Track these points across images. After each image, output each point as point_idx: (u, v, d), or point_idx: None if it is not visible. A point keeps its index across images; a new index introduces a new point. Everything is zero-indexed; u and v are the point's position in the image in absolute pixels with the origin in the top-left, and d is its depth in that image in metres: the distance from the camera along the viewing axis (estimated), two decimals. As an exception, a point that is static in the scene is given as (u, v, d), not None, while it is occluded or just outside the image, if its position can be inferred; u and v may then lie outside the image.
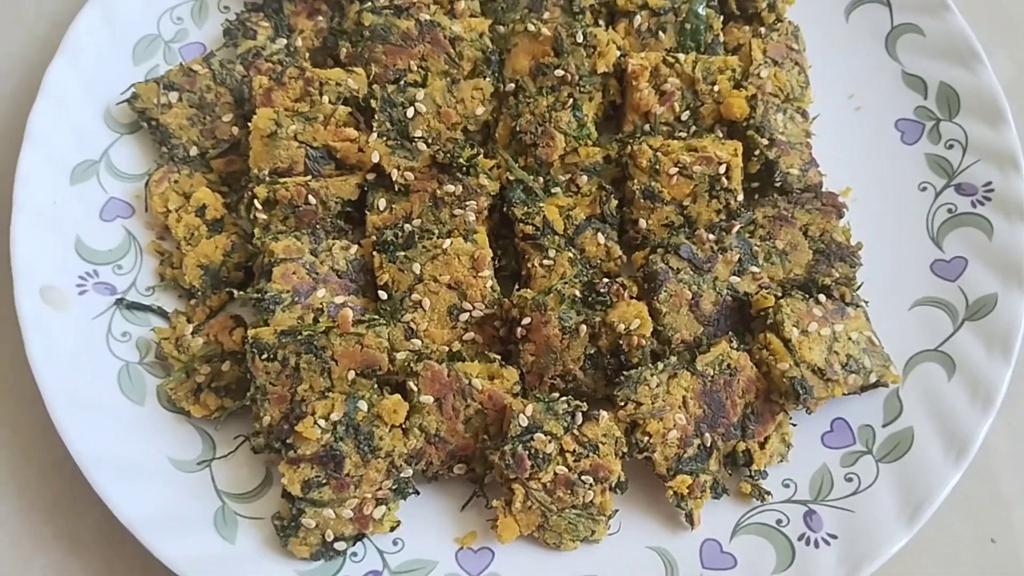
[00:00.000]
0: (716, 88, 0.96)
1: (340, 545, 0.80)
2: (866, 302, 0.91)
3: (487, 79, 0.95)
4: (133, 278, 0.93)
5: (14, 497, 0.89)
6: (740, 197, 0.93)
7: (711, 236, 0.90)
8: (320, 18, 1.03)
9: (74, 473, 0.83)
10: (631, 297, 0.86)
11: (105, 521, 0.85)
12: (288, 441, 0.79)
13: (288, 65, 0.94)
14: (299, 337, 0.80)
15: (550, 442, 0.80)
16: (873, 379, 0.86)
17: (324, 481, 0.78)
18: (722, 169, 0.91)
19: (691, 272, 0.88)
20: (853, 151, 1.03)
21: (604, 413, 0.82)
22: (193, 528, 0.81)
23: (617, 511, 0.84)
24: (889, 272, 0.95)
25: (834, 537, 0.82)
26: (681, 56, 0.96)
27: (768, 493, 0.85)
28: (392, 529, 0.82)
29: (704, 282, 0.88)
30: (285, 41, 1.00)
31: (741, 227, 0.91)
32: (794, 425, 0.88)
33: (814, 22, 1.06)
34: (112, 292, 0.91)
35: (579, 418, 0.81)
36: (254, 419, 0.82)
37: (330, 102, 0.93)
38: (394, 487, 0.81)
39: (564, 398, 0.83)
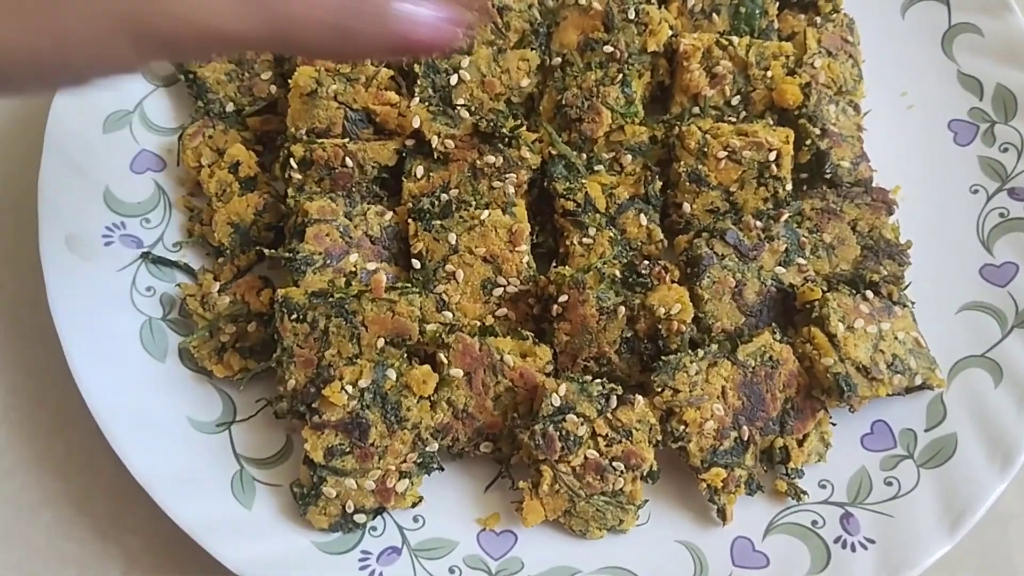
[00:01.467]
0: (769, 74, 0.93)
1: (360, 518, 0.77)
2: (912, 303, 0.88)
3: (534, 51, 0.93)
4: (161, 232, 0.90)
5: (25, 447, 0.86)
6: (789, 186, 0.90)
7: (758, 223, 0.87)
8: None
9: (89, 428, 0.81)
10: (673, 281, 0.83)
11: (117, 481, 0.83)
12: (313, 406, 0.76)
13: (330, 26, 0.92)
14: (330, 299, 0.78)
15: (582, 424, 0.77)
16: (918, 381, 0.83)
17: (348, 449, 0.75)
18: (772, 156, 0.88)
19: (736, 259, 0.85)
20: (904, 149, 0.99)
21: (640, 398, 0.79)
22: (209, 491, 0.78)
23: (647, 501, 0.81)
24: (936, 274, 0.92)
25: (872, 542, 0.79)
26: (735, 39, 0.93)
27: (804, 493, 0.82)
28: (414, 505, 0.79)
29: (749, 270, 0.85)
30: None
31: (790, 216, 0.88)
32: (833, 424, 0.85)
33: (869, 16, 1.03)
34: (139, 245, 0.89)
35: (613, 402, 0.78)
36: (278, 382, 0.80)
37: (372, 65, 0.90)
38: (419, 461, 0.78)
39: (599, 380, 0.80)
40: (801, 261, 0.87)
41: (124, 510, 0.84)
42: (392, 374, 0.77)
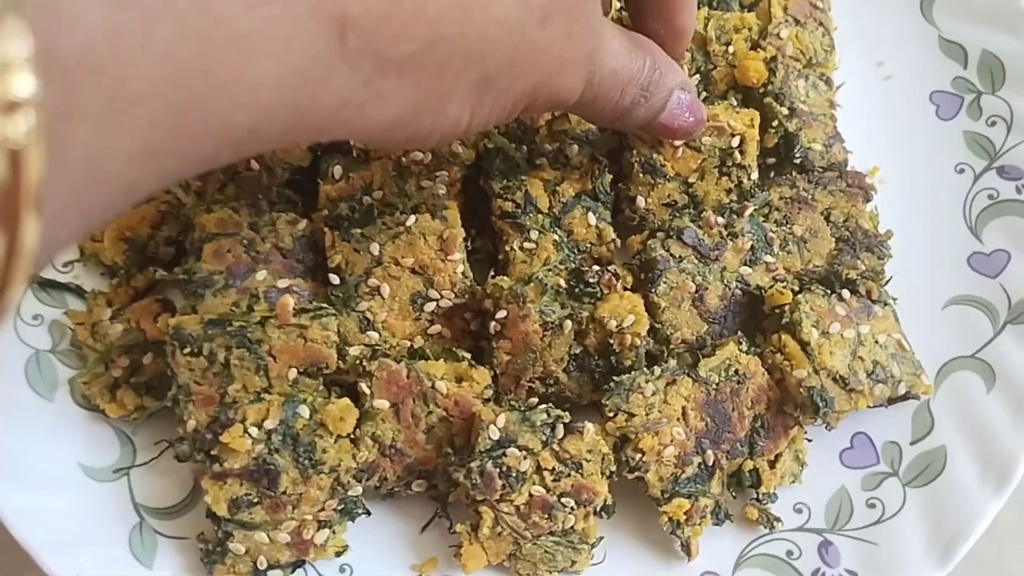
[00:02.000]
0: (730, 49, 0.83)
1: (275, 574, 0.68)
2: (894, 299, 0.79)
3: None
4: (48, 252, 0.79)
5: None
6: (755, 175, 0.80)
7: (720, 220, 0.78)
8: None
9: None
10: (625, 288, 0.74)
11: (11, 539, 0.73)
12: (213, 453, 0.66)
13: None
14: (229, 328, 0.67)
15: (525, 458, 0.68)
16: (902, 390, 0.74)
17: (256, 500, 0.66)
18: (735, 142, 0.78)
19: (696, 261, 0.76)
20: (881, 126, 0.90)
21: (590, 425, 0.69)
22: (104, 549, 0.69)
23: (602, 538, 0.72)
24: (920, 266, 0.83)
25: (853, 574, 0.71)
26: (690, 10, 0.83)
27: (778, 520, 0.73)
28: (338, 554, 0.70)
29: (710, 273, 0.76)
30: None
31: (755, 209, 0.78)
32: (809, 441, 0.76)
33: (841, -22, 0.93)
34: (22, 267, 0.78)
35: (560, 431, 0.69)
36: (177, 423, 0.70)
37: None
38: (340, 508, 0.69)
39: (543, 407, 0.70)
40: (769, 259, 0.78)
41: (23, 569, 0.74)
42: (304, 411, 0.67)
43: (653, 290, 0.74)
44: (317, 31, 0.41)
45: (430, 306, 0.74)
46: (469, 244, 0.78)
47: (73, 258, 0.80)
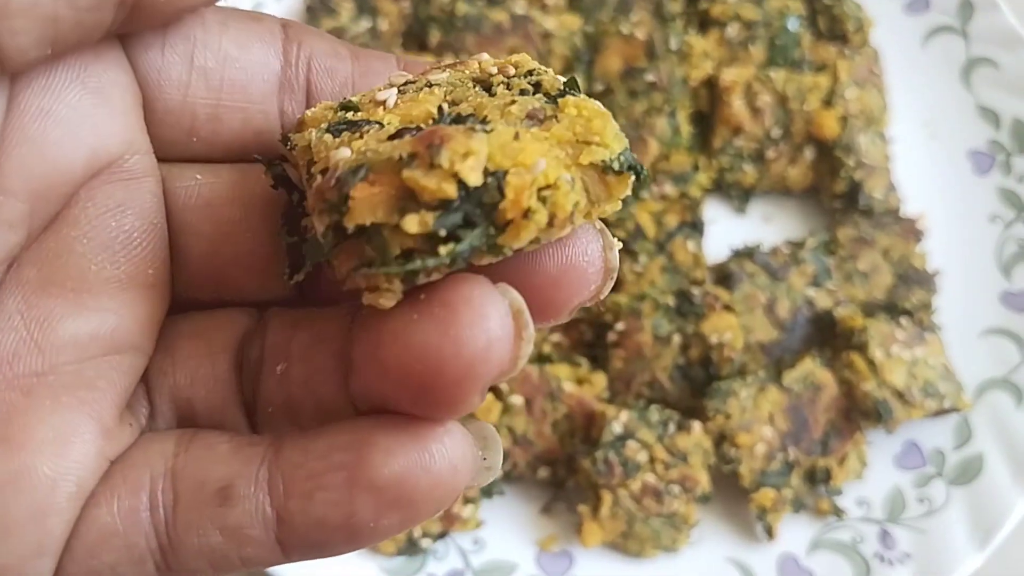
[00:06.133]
0: (806, 107, 0.97)
1: (425, 542, 0.79)
2: (940, 328, 0.93)
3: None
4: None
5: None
6: None
7: (786, 250, 0.92)
8: (405, 3, 1.02)
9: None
10: (723, 308, 0.87)
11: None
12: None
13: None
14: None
15: (642, 450, 0.80)
16: (947, 404, 0.88)
17: (418, 476, 0.77)
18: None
19: (766, 277, 0.89)
20: (925, 178, 1.04)
21: (696, 424, 0.82)
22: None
23: (699, 521, 0.84)
24: (960, 300, 0.97)
25: (908, 556, 0.84)
26: (772, 74, 0.97)
27: (844, 511, 0.86)
28: (475, 528, 0.81)
29: (779, 289, 0.89)
30: (369, 24, 0.99)
31: (816, 246, 0.92)
32: (869, 444, 0.89)
33: (892, 48, 1.07)
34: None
35: (672, 428, 0.81)
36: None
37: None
38: (483, 486, 0.80)
39: (655, 406, 0.83)
40: (830, 286, 0.91)
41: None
42: (459, 402, 0.79)
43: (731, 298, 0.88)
44: None
45: (553, 317, 0.86)
46: (584, 265, 0.90)
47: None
